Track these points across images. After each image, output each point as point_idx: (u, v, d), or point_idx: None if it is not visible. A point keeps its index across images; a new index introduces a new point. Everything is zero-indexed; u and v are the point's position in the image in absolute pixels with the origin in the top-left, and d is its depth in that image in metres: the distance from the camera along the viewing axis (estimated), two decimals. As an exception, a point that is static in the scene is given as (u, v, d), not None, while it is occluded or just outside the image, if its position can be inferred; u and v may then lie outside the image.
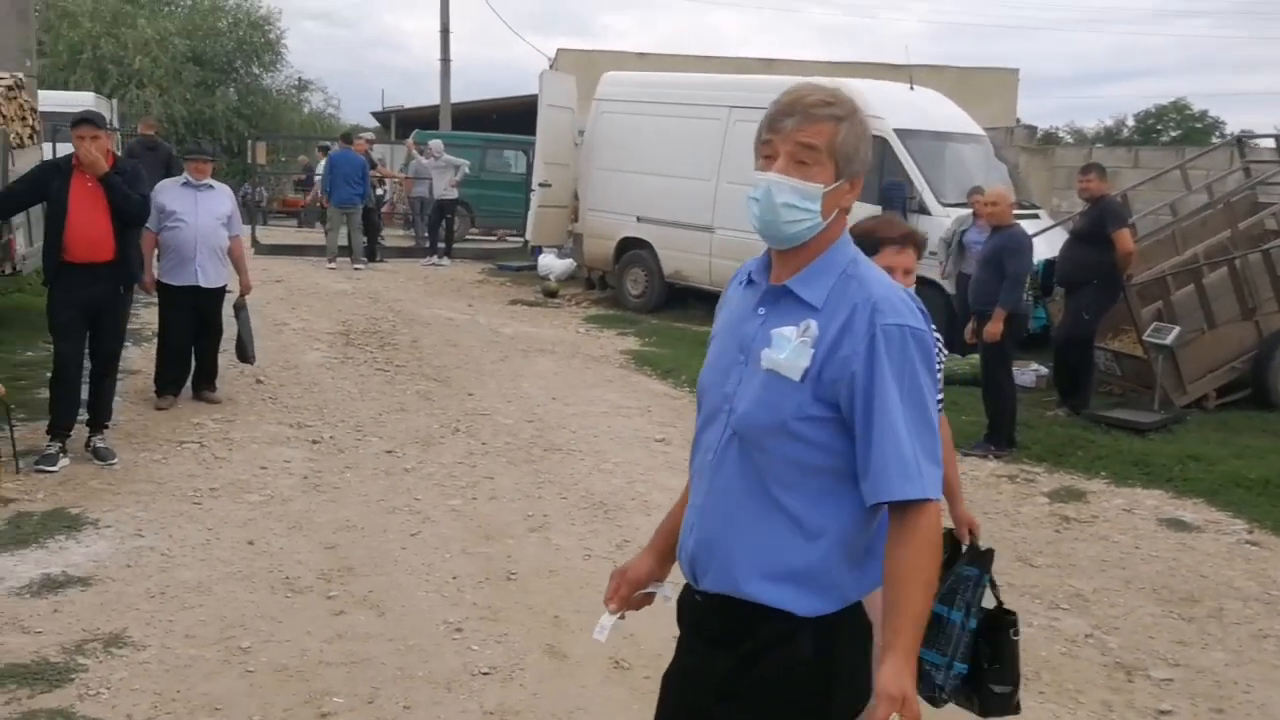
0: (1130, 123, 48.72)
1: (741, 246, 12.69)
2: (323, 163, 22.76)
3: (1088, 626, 5.10)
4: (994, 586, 3.31)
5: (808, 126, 2.11)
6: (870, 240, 3.17)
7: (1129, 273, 8.73)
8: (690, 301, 13.72)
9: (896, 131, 11.68)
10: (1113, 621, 5.18)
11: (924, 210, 11.22)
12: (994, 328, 7.72)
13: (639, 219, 13.93)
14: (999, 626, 3.19)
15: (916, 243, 3.44)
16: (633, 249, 14.18)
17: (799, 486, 2.11)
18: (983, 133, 12.95)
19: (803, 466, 2.10)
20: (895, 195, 11.21)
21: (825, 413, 2.07)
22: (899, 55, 21.13)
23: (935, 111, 12.72)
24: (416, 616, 4.83)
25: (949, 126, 12.49)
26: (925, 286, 10.98)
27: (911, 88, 12.81)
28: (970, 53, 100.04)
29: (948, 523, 3.09)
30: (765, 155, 2.18)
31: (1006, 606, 3.27)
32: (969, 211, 10.28)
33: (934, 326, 2.38)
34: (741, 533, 2.16)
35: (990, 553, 3.41)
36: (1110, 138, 45.57)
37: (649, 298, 14.06)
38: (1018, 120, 22.02)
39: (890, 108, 12.05)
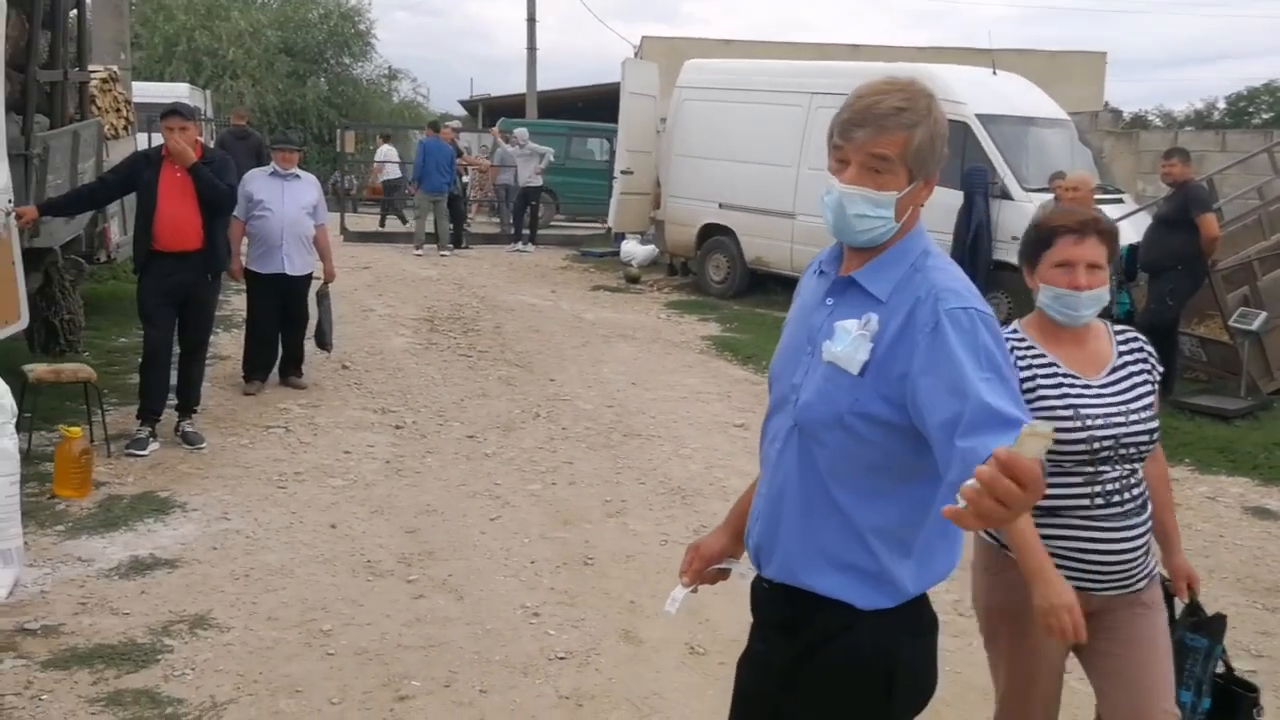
0: (1221, 105, 47.17)
1: (823, 233, 12.22)
2: (383, 148, 23.09)
3: (1177, 620, 4.94)
4: (1226, 659, 2.85)
5: (880, 138, 2.04)
6: (1043, 232, 2.79)
7: (1214, 258, 8.51)
8: (772, 287, 13.61)
9: (979, 117, 11.44)
10: (1204, 615, 5.01)
11: (1006, 196, 10.98)
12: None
13: (721, 205, 13.84)
14: (1235, 706, 2.76)
15: (1102, 231, 2.76)
16: (715, 235, 14.10)
17: (853, 481, 2.06)
18: (1067, 117, 12.62)
19: (857, 462, 2.05)
20: (977, 181, 10.98)
21: (886, 411, 2.00)
22: (985, 40, 20.64)
23: (1018, 96, 12.42)
24: (494, 601, 4.84)
25: (1032, 111, 12.19)
26: (1007, 271, 10.80)
27: (994, 72, 12.54)
28: (1058, 36, 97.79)
29: (1162, 570, 2.83)
30: (838, 160, 2.12)
31: (1244, 678, 2.86)
32: (1052, 197, 10.02)
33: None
34: (800, 523, 2.13)
35: (1222, 619, 2.94)
36: (1200, 121, 44.15)
37: (731, 284, 13.97)
38: (1105, 104, 21.45)
39: (972, 93, 11.82)
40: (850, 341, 2.04)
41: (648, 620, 4.69)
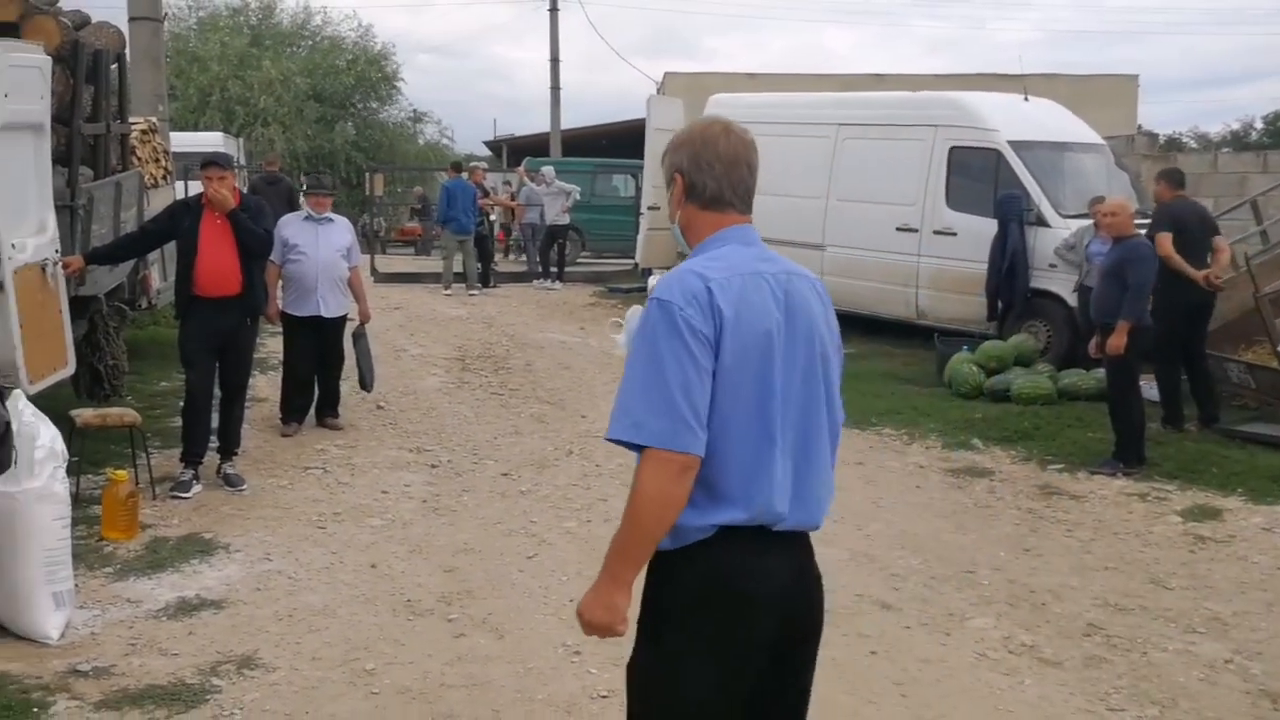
0: (1259, 125, 46.83)
1: (853, 264, 12.61)
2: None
3: (1227, 651, 4.90)
4: None
5: None
6: None
7: (1212, 277, 8.38)
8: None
9: (1011, 144, 11.45)
10: (1254, 646, 4.97)
11: (1042, 223, 10.96)
12: (1118, 341, 7.49)
13: (749, 238, 13.88)
14: None
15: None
16: (744, 269, 14.12)
17: None
18: (1102, 141, 12.61)
19: None
20: (1011, 208, 10.96)
21: None
22: (1011, 65, 20.77)
23: (1051, 121, 12.43)
24: (535, 639, 4.87)
25: (1066, 136, 12.19)
26: (1045, 299, 10.79)
27: (1026, 98, 12.55)
28: (1087, 60, 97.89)
29: None
30: None
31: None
32: (1090, 222, 10.02)
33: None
34: None
35: None
36: (1238, 142, 43.85)
37: (760, 317, 13.98)
38: (1139, 127, 21.40)
39: (1004, 119, 11.85)
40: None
41: (689, 655, 4.71)
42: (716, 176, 2.52)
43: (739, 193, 2.55)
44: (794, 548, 2.49)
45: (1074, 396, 9.44)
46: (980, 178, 11.65)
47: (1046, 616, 5.30)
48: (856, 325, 12.99)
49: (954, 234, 11.68)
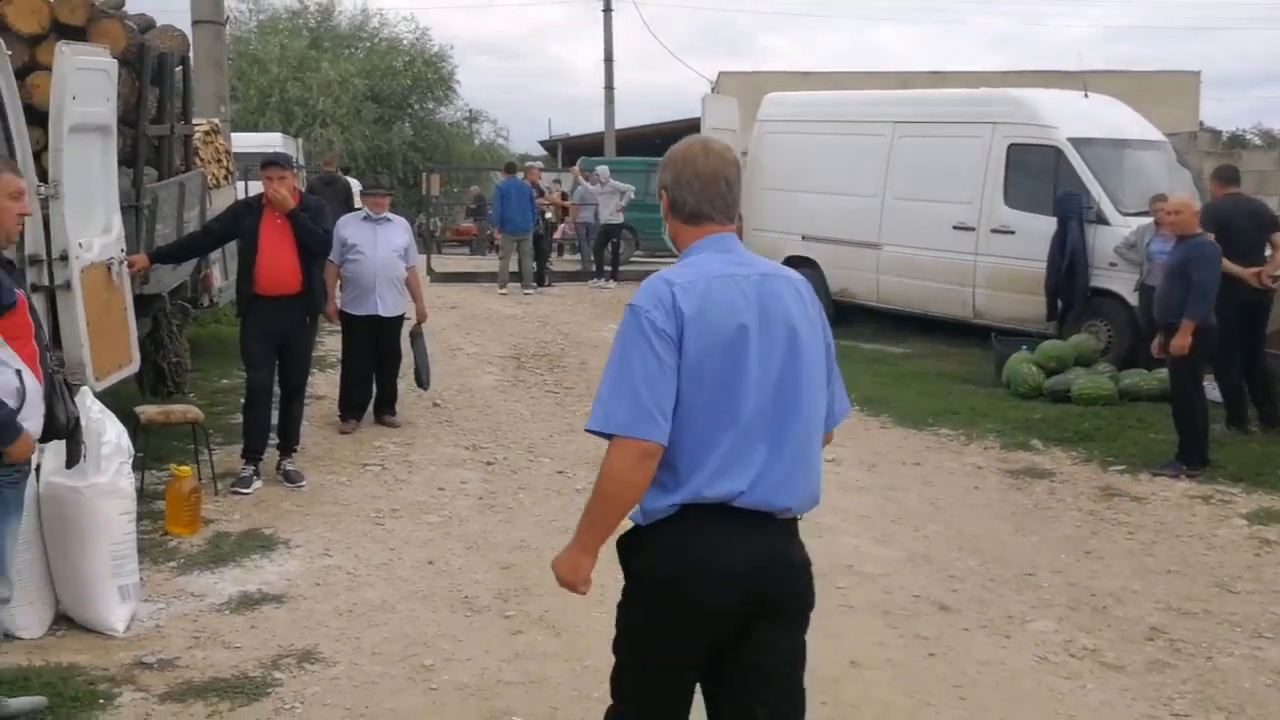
0: (1328, 121, 45.81)
1: (909, 263, 12.51)
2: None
3: (1295, 657, 4.81)
4: None
5: None
6: None
7: (1264, 276, 8.20)
8: (857, 319, 13.54)
9: (1071, 140, 11.30)
10: (1323, 652, 4.86)
11: (1102, 220, 10.80)
12: (1181, 341, 7.36)
13: (804, 238, 13.83)
14: None
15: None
16: (798, 267, 13.98)
17: None
18: (1164, 138, 12.39)
19: None
20: (1071, 206, 10.82)
21: None
22: (1071, 61, 20.44)
23: (1112, 118, 12.23)
24: (592, 637, 4.88)
25: (1127, 133, 11.99)
26: (1105, 298, 10.63)
27: (1086, 94, 12.37)
28: (1148, 56, 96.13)
29: None
30: None
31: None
32: (1151, 221, 9.86)
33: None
34: None
35: None
36: (1305, 138, 42.92)
37: (815, 316, 13.90)
38: (1201, 124, 21.01)
39: (1063, 116, 11.68)
40: None
41: (745, 655, 4.70)
42: (695, 193, 2.78)
43: (717, 206, 2.79)
44: (765, 528, 2.70)
45: (1135, 397, 9.30)
46: (1039, 175, 11.51)
47: (1108, 620, 5.22)
48: (912, 325, 12.92)
49: (1012, 232, 11.54)
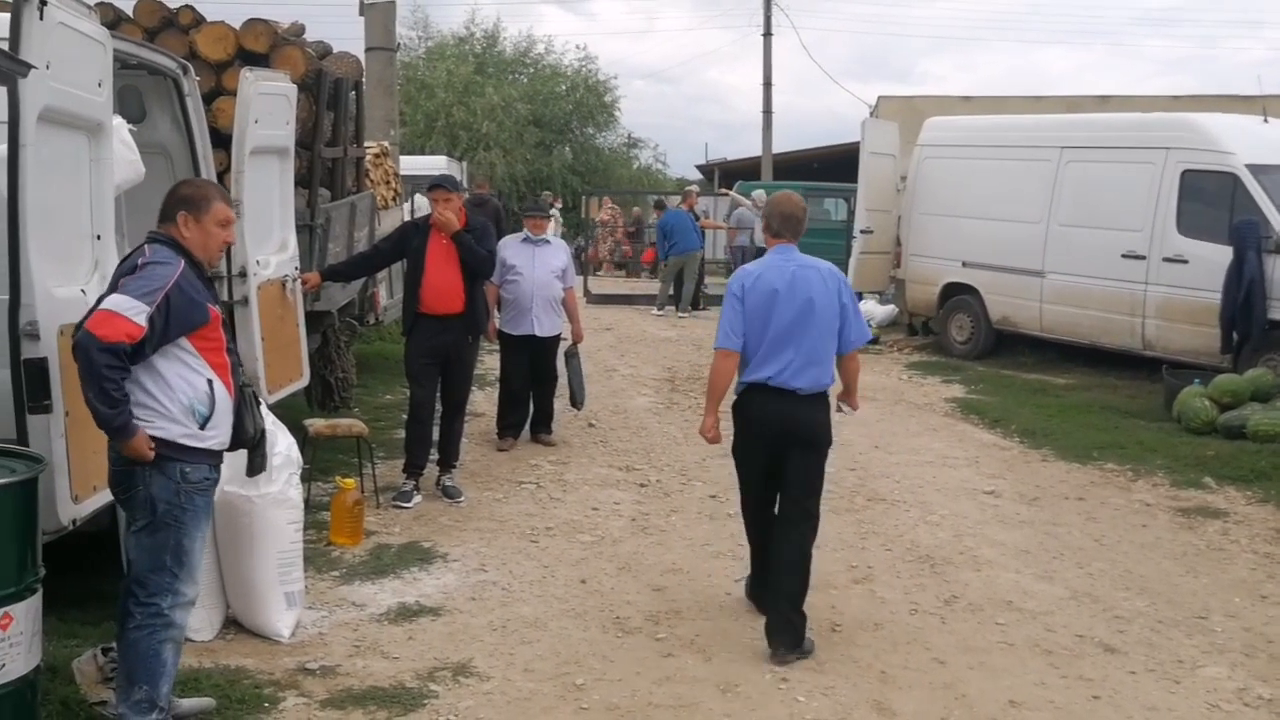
0: None
1: (1076, 291, 12.11)
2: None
3: None
4: None
5: None
6: None
7: None
8: (1019, 348, 13.17)
9: (1249, 167, 10.78)
10: None
11: (1283, 251, 10.27)
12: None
13: (965, 264, 13.54)
14: None
15: None
16: (958, 294, 13.77)
17: None
18: (1354, 165, 11.70)
19: None
20: (1249, 235, 10.30)
21: None
22: (1249, 85, 19.41)
23: (1294, 144, 11.61)
24: (742, 663, 4.85)
25: (1312, 161, 11.36)
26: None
27: (1265, 119, 11.79)
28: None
29: None
30: None
31: None
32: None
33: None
34: None
35: None
36: None
37: (975, 344, 13.59)
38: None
39: (1241, 142, 11.16)
40: None
41: (900, 692, 4.60)
42: (778, 222, 5.14)
43: (787, 229, 5.11)
44: (788, 398, 4.95)
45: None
46: (1214, 202, 11.02)
47: (1289, 671, 4.93)
48: (1078, 356, 12.49)
49: (1185, 261, 11.07)
